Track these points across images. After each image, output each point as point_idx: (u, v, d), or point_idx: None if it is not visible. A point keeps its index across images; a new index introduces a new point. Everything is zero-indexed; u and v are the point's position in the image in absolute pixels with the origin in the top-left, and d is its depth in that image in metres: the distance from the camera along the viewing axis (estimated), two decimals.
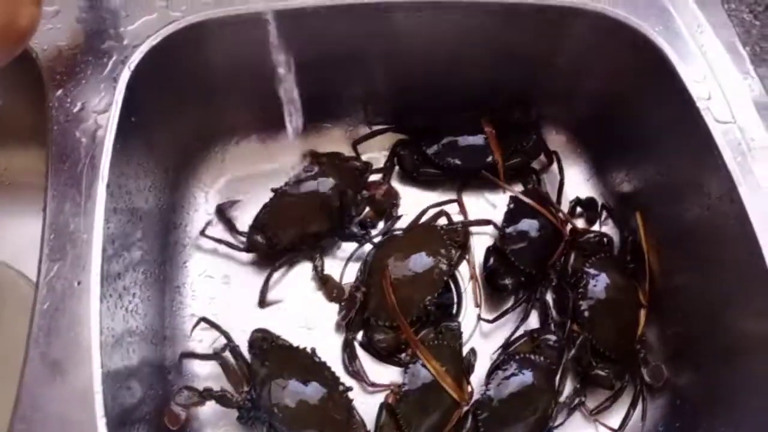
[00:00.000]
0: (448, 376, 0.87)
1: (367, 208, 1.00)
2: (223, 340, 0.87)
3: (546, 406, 0.86)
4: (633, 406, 0.91)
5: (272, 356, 0.85)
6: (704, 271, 0.87)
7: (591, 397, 0.92)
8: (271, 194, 0.97)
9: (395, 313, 0.90)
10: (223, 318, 0.91)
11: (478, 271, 0.99)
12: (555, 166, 1.06)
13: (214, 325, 0.88)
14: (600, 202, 1.04)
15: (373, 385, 0.91)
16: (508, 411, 0.85)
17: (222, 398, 0.82)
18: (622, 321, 0.94)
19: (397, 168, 1.05)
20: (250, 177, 1.03)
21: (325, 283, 0.96)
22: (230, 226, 0.98)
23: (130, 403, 0.75)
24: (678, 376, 0.91)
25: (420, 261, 0.94)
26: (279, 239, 0.94)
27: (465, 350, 0.93)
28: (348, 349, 0.92)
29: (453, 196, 1.04)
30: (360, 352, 0.93)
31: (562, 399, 0.90)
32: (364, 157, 1.04)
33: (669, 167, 0.93)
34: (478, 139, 1.04)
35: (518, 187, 1.04)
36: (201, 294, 0.96)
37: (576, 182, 1.07)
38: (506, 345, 0.93)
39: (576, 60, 0.97)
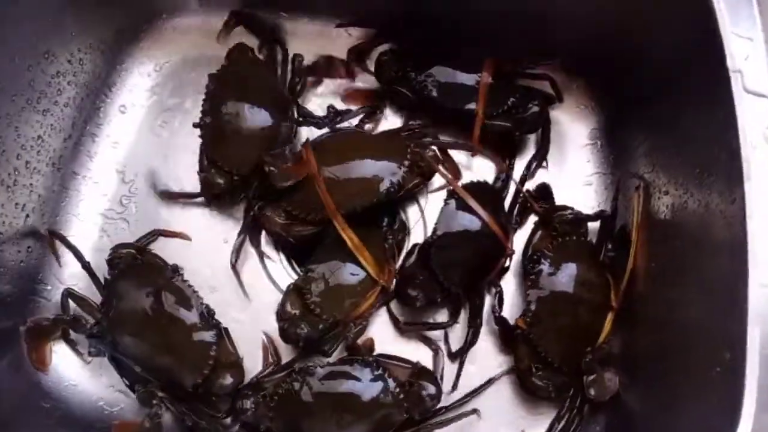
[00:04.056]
0: (365, 250, 0.76)
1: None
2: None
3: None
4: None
5: (126, 276, 0.74)
6: (687, 278, 0.67)
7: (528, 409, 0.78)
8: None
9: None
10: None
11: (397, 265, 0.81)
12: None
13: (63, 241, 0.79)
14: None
15: None
16: (317, 403, 0.71)
17: (74, 323, 0.74)
18: (579, 323, 0.75)
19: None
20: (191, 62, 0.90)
21: None
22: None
23: None
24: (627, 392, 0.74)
25: (366, 165, 0.78)
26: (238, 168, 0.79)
27: None
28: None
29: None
30: None
31: None
32: None
33: (680, 144, 0.72)
34: (469, 80, 0.85)
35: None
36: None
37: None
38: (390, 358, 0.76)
39: None
